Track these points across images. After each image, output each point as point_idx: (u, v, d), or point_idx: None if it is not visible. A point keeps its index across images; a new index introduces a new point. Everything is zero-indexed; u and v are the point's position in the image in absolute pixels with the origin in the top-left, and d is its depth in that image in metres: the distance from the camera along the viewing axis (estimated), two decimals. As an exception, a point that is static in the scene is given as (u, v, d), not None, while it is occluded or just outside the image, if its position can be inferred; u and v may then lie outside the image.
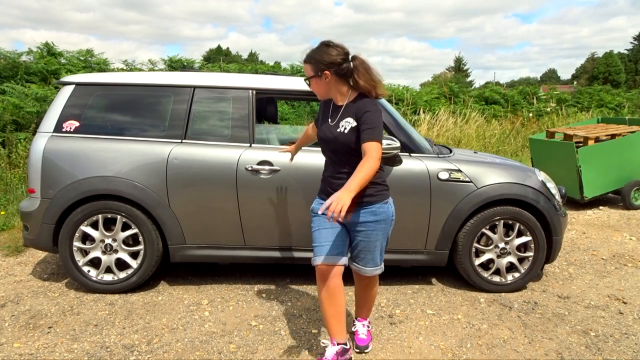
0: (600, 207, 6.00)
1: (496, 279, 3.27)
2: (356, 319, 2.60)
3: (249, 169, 3.04)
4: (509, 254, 3.24)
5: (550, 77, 70.49)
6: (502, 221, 3.16)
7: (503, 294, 3.25)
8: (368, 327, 2.58)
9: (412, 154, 3.12)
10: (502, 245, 3.21)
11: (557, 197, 3.33)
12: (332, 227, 2.24)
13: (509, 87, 19.40)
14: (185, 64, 10.15)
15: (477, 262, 3.22)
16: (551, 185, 3.33)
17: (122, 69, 9.18)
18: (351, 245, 2.31)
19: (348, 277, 2.92)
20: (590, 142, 5.75)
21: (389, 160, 2.98)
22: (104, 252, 3.13)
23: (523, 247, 3.27)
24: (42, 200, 3.06)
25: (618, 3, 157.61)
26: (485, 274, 3.24)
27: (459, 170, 3.11)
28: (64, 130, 3.11)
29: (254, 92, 3.17)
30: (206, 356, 2.46)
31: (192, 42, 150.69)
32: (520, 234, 3.22)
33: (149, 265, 3.13)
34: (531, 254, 3.23)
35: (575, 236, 4.73)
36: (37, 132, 3.16)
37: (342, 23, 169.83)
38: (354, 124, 2.15)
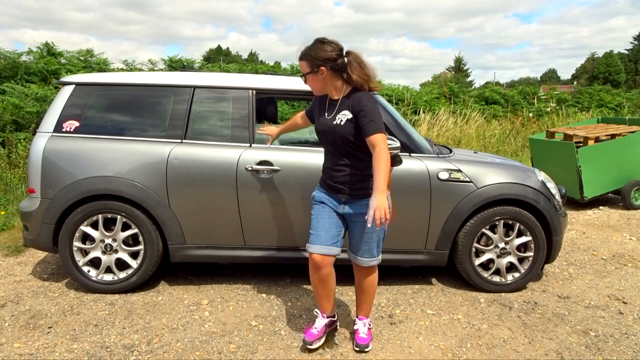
0: (600, 207, 6.00)
1: (496, 279, 3.27)
2: (357, 317, 2.61)
3: (249, 169, 3.04)
4: (509, 254, 3.24)
5: (550, 77, 70.52)
6: (502, 221, 3.16)
7: (503, 294, 3.25)
8: (369, 326, 2.58)
9: (412, 154, 3.12)
10: (502, 245, 3.21)
11: (557, 197, 3.33)
12: (329, 217, 2.37)
13: (509, 87, 19.38)
14: (185, 64, 10.13)
15: (477, 262, 3.22)
16: (551, 185, 3.33)
17: (122, 69, 9.16)
18: (349, 237, 2.42)
19: (348, 277, 2.92)
20: (590, 142, 5.75)
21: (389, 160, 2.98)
22: (104, 252, 3.13)
23: (523, 247, 3.27)
24: (42, 200, 3.06)
25: (618, 3, 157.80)
26: (485, 274, 3.24)
27: (459, 170, 3.11)
28: (64, 130, 3.11)
29: (254, 92, 3.18)
30: (206, 356, 2.46)
31: (192, 42, 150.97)
32: (520, 234, 3.22)
33: (149, 265, 3.14)
34: (531, 254, 3.24)
35: (575, 236, 4.73)
36: (37, 132, 3.15)
37: (342, 23, 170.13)
38: (350, 116, 2.25)
